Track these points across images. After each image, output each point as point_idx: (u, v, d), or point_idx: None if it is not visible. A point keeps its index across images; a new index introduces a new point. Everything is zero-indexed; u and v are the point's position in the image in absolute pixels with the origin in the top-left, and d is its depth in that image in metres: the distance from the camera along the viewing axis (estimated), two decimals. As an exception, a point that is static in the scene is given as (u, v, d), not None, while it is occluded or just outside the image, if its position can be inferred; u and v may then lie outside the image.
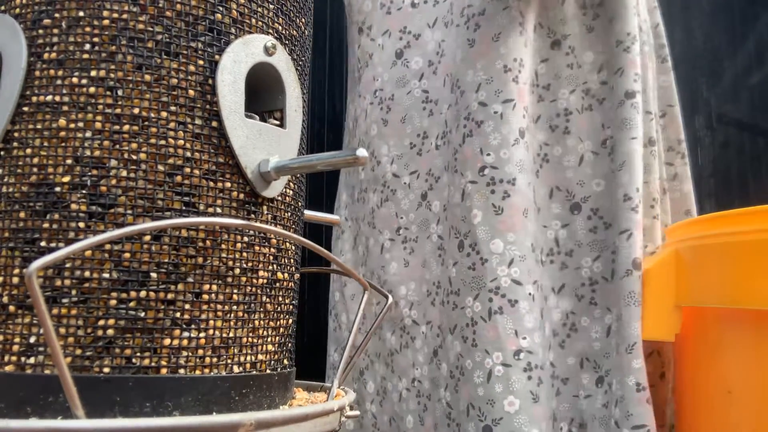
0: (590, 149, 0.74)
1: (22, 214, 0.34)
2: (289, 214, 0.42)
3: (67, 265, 0.33)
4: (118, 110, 0.34)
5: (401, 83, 0.83)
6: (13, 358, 0.33)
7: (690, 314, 0.65)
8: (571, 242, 0.73)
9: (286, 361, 0.41)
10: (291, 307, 0.42)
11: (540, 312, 0.70)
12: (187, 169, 0.35)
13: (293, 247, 0.42)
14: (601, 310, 0.71)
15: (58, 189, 0.34)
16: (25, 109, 0.35)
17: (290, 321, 0.42)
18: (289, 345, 0.42)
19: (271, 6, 0.40)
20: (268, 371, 0.38)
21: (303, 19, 0.43)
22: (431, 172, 0.79)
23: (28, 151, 0.35)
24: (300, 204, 0.44)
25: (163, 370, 0.33)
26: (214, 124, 0.36)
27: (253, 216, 0.38)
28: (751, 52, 1.14)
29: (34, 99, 0.35)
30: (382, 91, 0.84)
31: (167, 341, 0.34)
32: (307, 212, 0.49)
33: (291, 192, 0.42)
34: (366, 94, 0.87)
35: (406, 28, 0.84)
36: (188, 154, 0.35)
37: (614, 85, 0.73)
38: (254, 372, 0.37)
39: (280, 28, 0.41)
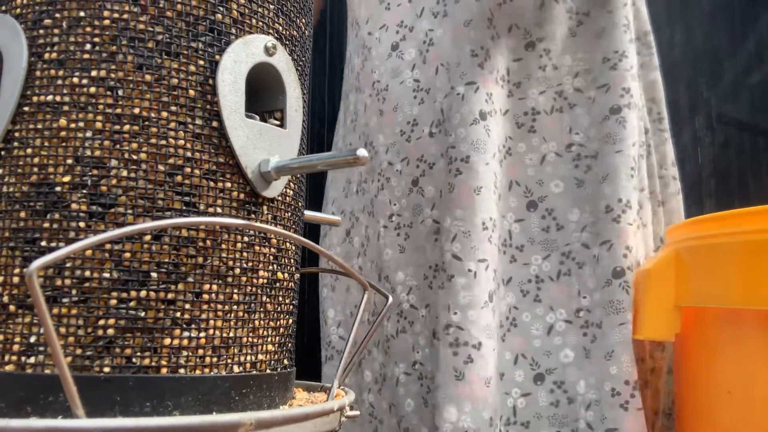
0: (554, 150, 0.77)
1: (22, 214, 0.34)
2: (289, 214, 0.42)
3: (68, 265, 0.33)
4: (118, 110, 0.34)
5: (395, 73, 0.85)
6: (14, 358, 0.33)
7: (690, 314, 0.65)
8: (523, 237, 0.75)
9: (286, 361, 0.41)
10: (291, 307, 0.42)
11: (488, 294, 0.70)
12: (188, 169, 0.35)
13: (293, 247, 0.42)
14: (544, 309, 0.73)
15: (58, 189, 0.34)
16: (26, 108, 0.35)
17: (290, 321, 0.42)
18: (289, 345, 0.42)
19: (272, 6, 0.40)
20: (268, 371, 0.38)
21: (303, 20, 0.44)
22: (423, 159, 0.80)
23: (29, 150, 0.35)
24: (300, 204, 0.44)
25: (164, 370, 0.33)
26: (215, 124, 0.36)
27: (253, 216, 0.38)
28: (751, 52, 1.14)
29: (35, 99, 0.35)
30: (379, 83, 0.86)
31: (167, 341, 0.34)
32: (307, 212, 0.49)
33: (291, 192, 0.42)
34: (365, 88, 0.88)
35: (403, 22, 0.86)
36: (188, 154, 0.35)
37: (597, 97, 0.76)
38: (254, 372, 0.37)
39: (280, 28, 0.41)
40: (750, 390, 0.57)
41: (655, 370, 0.78)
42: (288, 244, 0.41)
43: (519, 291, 0.74)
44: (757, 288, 0.54)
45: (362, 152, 0.35)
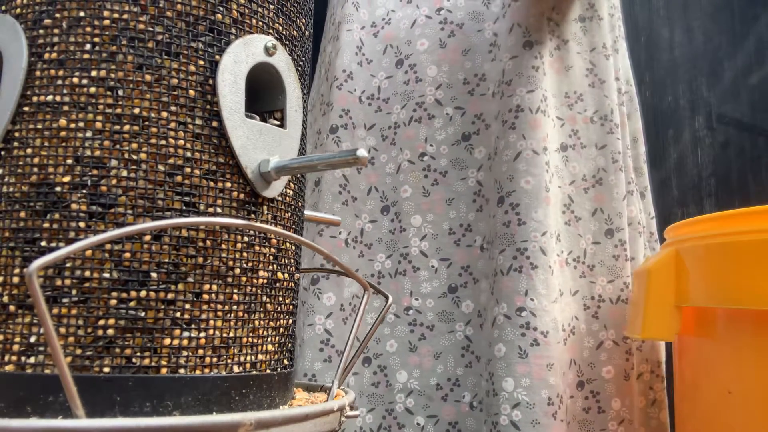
0: (407, 158, 0.86)
1: (22, 214, 0.34)
2: (290, 214, 0.42)
3: (68, 265, 0.33)
4: (118, 110, 0.34)
5: (345, 19, 0.90)
6: (14, 358, 0.33)
7: (690, 314, 0.65)
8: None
9: (286, 361, 0.41)
10: (291, 307, 0.42)
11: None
12: (188, 169, 0.35)
13: (293, 247, 0.42)
14: (380, 301, 0.81)
15: (58, 189, 0.34)
16: (26, 109, 0.35)
17: (290, 321, 0.42)
18: (289, 345, 0.42)
19: (272, 6, 0.40)
20: (268, 371, 0.38)
21: (303, 20, 0.44)
22: (346, 111, 0.87)
23: (29, 150, 0.35)
24: (300, 204, 0.44)
25: (163, 370, 0.33)
26: (215, 124, 0.36)
27: (253, 216, 0.38)
28: (751, 52, 1.14)
29: (35, 99, 0.35)
30: (338, 20, 0.92)
31: (167, 341, 0.34)
32: (307, 212, 0.49)
33: (291, 192, 0.42)
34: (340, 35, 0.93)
35: None
36: (188, 154, 0.35)
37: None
38: (254, 372, 0.37)
39: (280, 28, 0.41)
40: (750, 390, 0.57)
41: (656, 402, 0.78)
42: (288, 244, 0.41)
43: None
44: (757, 288, 0.54)
45: (361, 152, 0.35)
